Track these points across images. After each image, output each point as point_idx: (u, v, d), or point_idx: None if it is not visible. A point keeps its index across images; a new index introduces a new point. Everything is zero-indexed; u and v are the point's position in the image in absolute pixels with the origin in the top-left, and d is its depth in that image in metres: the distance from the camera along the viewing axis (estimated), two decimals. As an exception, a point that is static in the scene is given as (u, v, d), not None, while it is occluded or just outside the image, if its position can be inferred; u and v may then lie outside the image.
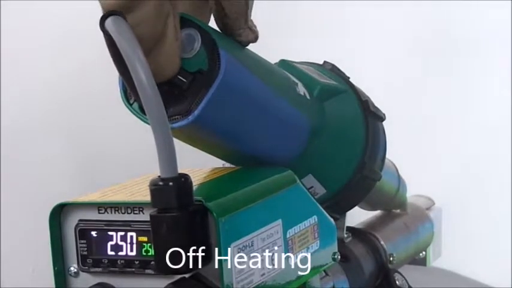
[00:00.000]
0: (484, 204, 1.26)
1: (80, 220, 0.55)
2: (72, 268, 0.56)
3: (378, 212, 0.85)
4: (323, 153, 0.64)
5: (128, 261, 0.54)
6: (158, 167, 0.49)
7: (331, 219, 0.62)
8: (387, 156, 0.71)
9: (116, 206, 0.54)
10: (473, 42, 1.33)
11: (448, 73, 1.35)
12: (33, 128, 1.20)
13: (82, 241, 0.55)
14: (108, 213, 0.54)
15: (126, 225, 0.54)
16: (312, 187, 0.64)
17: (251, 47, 0.57)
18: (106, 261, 0.54)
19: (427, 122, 1.36)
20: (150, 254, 0.53)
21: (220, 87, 0.52)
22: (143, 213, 0.53)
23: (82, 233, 0.55)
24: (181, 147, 0.54)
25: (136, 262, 0.54)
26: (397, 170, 0.83)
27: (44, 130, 1.19)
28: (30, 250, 0.98)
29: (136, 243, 0.54)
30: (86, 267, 0.55)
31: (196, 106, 0.52)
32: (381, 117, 0.69)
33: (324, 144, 0.64)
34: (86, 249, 0.55)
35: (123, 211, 0.54)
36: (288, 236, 0.57)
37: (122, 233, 0.54)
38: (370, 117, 0.67)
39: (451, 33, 1.35)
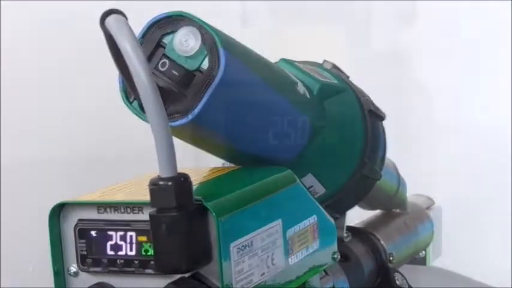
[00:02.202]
0: (484, 204, 1.26)
1: (80, 220, 0.55)
2: (71, 268, 0.55)
3: (377, 212, 0.85)
4: (323, 152, 0.64)
5: (128, 261, 0.54)
6: (157, 167, 0.49)
7: (331, 219, 0.62)
8: (387, 155, 0.71)
9: (115, 206, 0.54)
10: (474, 42, 1.33)
11: (448, 72, 1.34)
12: (33, 128, 1.20)
13: (81, 241, 0.55)
14: (107, 212, 0.54)
15: (125, 225, 0.54)
16: (311, 186, 0.64)
17: (252, 46, 0.57)
18: (105, 261, 0.54)
19: (427, 122, 1.35)
20: (149, 253, 0.53)
21: (220, 86, 0.52)
22: (143, 213, 0.53)
23: (81, 232, 0.55)
24: (181, 146, 0.54)
25: (136, 262, 0.54)
26: (397, 170, 0.83)
27: (44, 129, 1.19)
28: (30, 250, 0.98)
29: (136, 243, 0.54)
30: (86, 267, 0.55)
31: (196, 105, 0.53)
32: (380, 117, 0.69)
33: (323, 143, 0.64)
34: (85, 248, 0.55)
35: (122, 211, 0.54)
36: (287, 235, 0.57)
37: (122, 233, 0.54)
38: (370, 116, 0.67)
39: (451, 33, 1.35)
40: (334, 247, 0.62)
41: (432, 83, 1.36)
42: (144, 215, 0.53)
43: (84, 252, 0.55)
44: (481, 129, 1.33)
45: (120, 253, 0.54)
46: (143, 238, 0.53)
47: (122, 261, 0.54)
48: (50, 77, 1.19)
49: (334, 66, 0.69)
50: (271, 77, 0.59)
